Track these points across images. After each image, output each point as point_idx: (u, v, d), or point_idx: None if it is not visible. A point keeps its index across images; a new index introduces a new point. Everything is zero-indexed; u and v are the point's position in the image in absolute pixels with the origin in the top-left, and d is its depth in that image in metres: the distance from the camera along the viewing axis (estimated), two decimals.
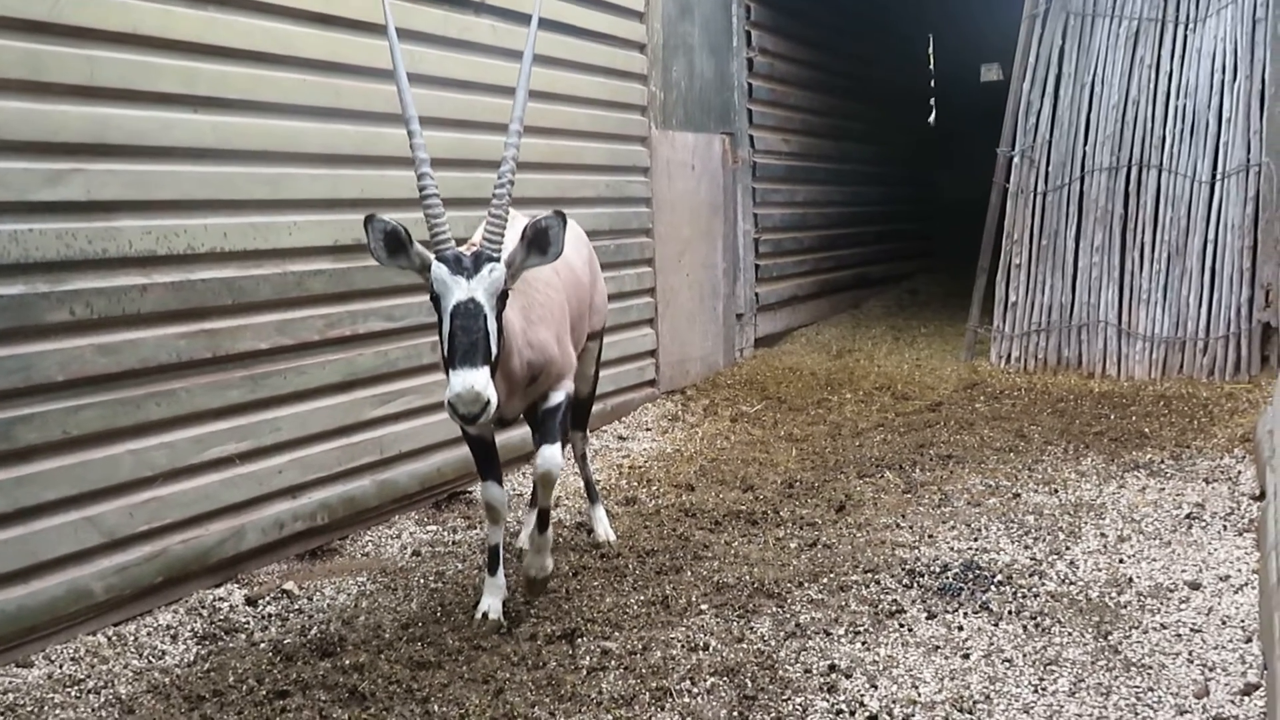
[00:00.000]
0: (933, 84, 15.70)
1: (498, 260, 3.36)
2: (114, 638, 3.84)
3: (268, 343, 4.46)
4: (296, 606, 4.13)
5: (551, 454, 3.85)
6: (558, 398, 3.92)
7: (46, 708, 3.35)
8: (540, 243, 3.49)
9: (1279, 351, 7.25)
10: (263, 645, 3.77)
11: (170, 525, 4.11)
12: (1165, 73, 7.62)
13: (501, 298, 3.38)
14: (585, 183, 6.55)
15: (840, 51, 11.04)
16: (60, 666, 3.63)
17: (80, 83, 3.77)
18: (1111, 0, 7.78)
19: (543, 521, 3.93)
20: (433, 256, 3.36)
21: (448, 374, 3.27)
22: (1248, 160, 7.26)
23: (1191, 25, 7.58)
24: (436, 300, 3.36)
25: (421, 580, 4.35)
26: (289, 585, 4.28)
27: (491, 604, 3.89)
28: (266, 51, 4.43)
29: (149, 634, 3.89)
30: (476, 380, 3.19)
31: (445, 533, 4.97)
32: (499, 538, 3.96)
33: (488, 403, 3.21)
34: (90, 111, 3.80)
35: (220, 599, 4.18)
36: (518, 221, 3.88)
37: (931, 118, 15.76)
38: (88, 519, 3.82)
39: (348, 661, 3.56)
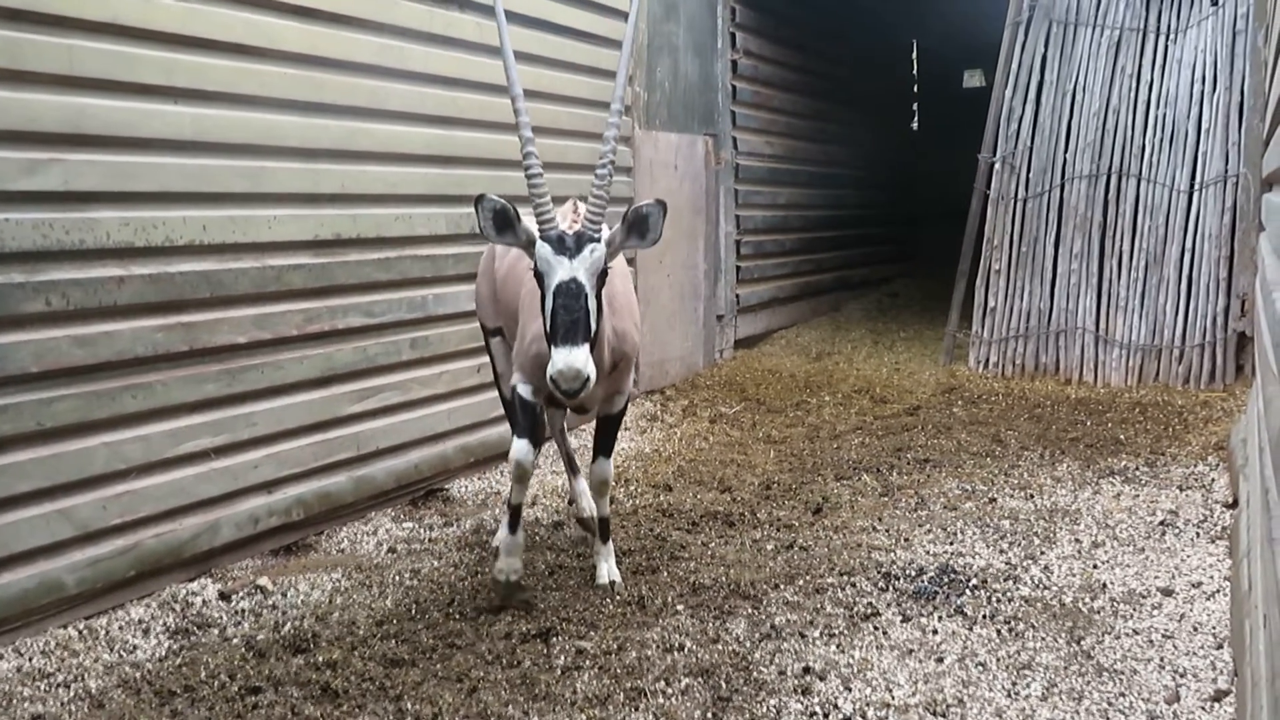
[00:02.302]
0: (916, 88, 15.77)
1: (598, 240, 3.51)
2: (85, 631, 3.81)
3: (245, 337, 4.44)
4: (270, 602, 4.10)
5: (606, 466, 4.09)
6: (620, 402, 4.09)
7: (15, 701, 3.31)
8: (640, 227, 3.65)
9: (1254, 360, 7.30)
10: (235, 641, 3.74)
11: (144, 519, 4.08)
12: (1146, 82, 7.68)
13: (601, 276, 3.52)
14: (567, 181, 6.51)
15: (824, 55, 11.07)
16: (30, 659, 3.60)
17: (59, 72, 3.73)
18: (1094, 9, 7.84)
19: (604, 532, 4.15)
20: (537, 235, 3.50)
21: (550, 348, 3.41)
22: (1226, 171, 7.32)
23: (1173, 36, 7.64)
24: (540, 278, 3.50)
25: (396, 577, 4.33)
26: (263, 581, 4.26)
27: (511, 564, 3.93)
28: (247, 44, 4.40)
29: (120, 628, 3.86)
30: (577, 358, 3.34)
31: (421, 530, 4.95)
32: (522, 497, 3.97)
33: (588, 379, 3.36)
34: (68, 101, 3.77)
35: (193, 594, 4.15)
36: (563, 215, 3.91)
37: (914, 122, 15.83)
38: (60, 511, 3.79)
39: (321, 658, 3.54)
